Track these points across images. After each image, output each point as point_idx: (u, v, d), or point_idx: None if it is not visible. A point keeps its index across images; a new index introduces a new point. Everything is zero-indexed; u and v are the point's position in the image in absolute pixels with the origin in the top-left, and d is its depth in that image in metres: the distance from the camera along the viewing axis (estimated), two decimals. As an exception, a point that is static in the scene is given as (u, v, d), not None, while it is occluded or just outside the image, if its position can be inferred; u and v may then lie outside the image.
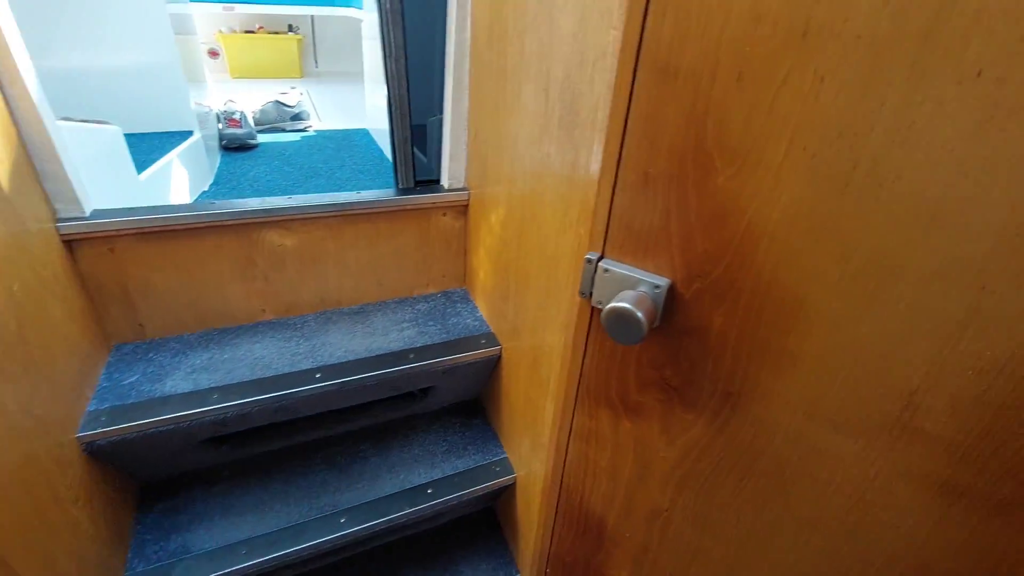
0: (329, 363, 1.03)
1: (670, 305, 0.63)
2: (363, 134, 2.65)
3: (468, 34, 1.05)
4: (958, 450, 0.51)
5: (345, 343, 1.09)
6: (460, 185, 1.16)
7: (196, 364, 1.04)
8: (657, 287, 0.61)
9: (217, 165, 2.16)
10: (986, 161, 0.42)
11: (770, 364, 0.58)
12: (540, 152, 0.77)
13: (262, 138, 2.49)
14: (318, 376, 1.00)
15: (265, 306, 1.16)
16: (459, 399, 1.24)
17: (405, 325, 1.12)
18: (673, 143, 0.56)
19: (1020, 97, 0.39)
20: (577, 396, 0.77)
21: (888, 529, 0.58)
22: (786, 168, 0.50)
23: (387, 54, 1.08)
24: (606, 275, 0.64)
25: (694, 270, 0.59)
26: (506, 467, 1.11)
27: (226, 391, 0.96)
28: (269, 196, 1.16)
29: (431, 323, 1.12)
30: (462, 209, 1.17)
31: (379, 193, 1.15)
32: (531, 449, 0.97)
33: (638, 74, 0.56)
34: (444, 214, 1.16)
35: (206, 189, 1.97)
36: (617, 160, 0.61)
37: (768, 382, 0.59)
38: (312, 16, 4.27)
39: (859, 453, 0.57)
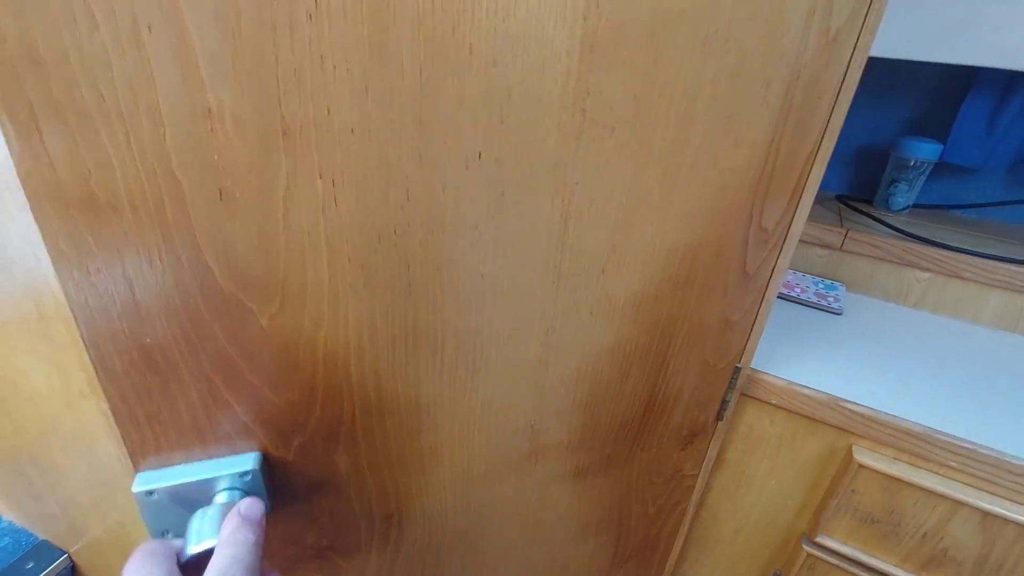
0: None
1: (274, 473, 0.46)
2: None
3: None
4: (572, 445, 0.59)
5: None
6: None
7: None
8: (245, 472, 0.43)
9: None
10: (504, 232, 0.42)
11: (415, 467, 0.52)
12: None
13: None
14: None
15: None
16: None
17: None
18: (168, 299, 0.36)
19: (517, 173, 0.40)
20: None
21: (556, 523, 0.65)
22: (339, 284, 0.40)
23: None
24: (153, 499, 0.41)
25: (284, 427, 0.44)
26: None
27: None
28: None
29: None
30: None
31: None
32: None
33: (49, 217, 0.32)
34: None
35: None
36: (84, 343, 0.36)
37: (421, 480, 0.53)
38: None
39: (516, 485, 0.59)
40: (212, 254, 0.36)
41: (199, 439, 0.42)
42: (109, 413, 0.39)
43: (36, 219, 0.32)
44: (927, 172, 0.92)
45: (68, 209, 0.32)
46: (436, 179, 0.38)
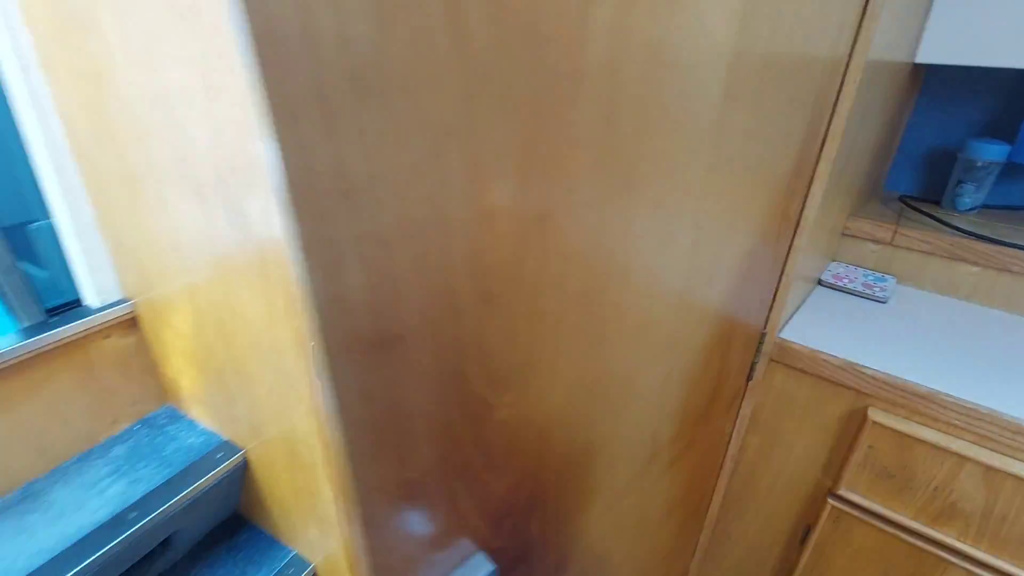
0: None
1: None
2: None
3: (60, 136, 0.22)
4: (672, 439, 0.64)
5: (24, 545, 0.32)
6: (116, 299, 0.40)
7: None
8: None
9: None
10: (658, 268, 0.46)
11: (578, 507, 0.53)
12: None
13: None
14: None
15: None
16: (213, 525, 0.60)
17: (106, 483, 0.44)
18: (431, 420, 0.32)
19: (674, 214, 0.44)
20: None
21: (654, 512, 0.71)
22: (559, 356, 0.39)
23: None
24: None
25: (500, 513, 0.42)
26: (300, 564, 0.65)
27: None
28: None
29: (142, 464, 0.49)
30: (129, 324, 0.44)
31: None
32: (321, 534, 0.59)
33: (338, 371, 0.26)
34: (107, 337, 0.41)
35: None
36: (351, 498, 0.31)
37: (579, 519, 0.54)
38: None
39: (638, 491, 0.63)
40: (471, 360, 0.33)
41: (435, 561, 0.38)
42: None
43: (327, 378, 0.26)
44: (995, 173, 0.90)
45: (355, 355, 0.27)
46: (630, 233, 0.40)
